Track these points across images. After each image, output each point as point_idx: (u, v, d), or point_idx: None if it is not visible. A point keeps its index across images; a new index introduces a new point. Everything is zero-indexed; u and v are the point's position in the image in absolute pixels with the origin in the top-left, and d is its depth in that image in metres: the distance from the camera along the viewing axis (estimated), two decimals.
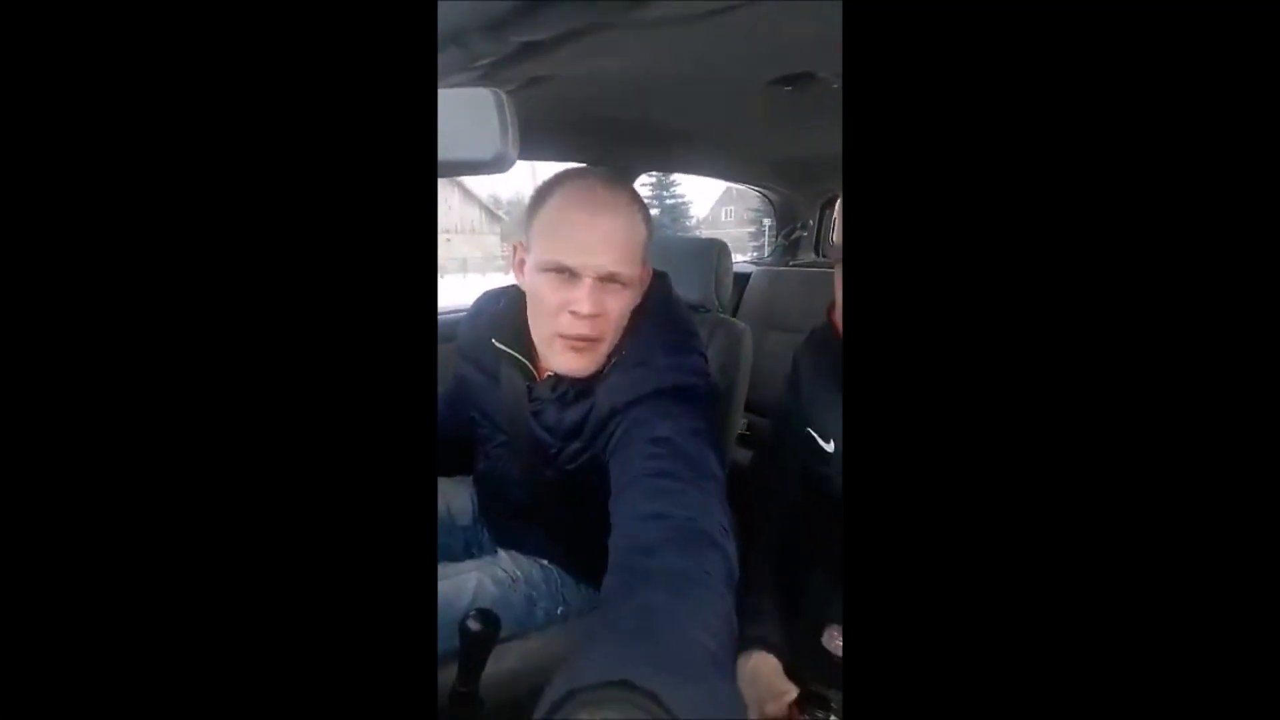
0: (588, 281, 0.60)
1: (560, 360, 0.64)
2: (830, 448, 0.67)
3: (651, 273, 0.69)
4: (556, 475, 0.71)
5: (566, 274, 0.61)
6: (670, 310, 0.70)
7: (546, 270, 0.62)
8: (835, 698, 0.45)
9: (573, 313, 0.60)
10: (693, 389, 0.64)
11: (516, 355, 0.69)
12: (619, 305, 0.62)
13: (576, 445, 0.68)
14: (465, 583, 0.77)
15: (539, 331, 0.65)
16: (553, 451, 0.70)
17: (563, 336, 0.62)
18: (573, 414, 0.66)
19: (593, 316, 0.60)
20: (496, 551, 0.88)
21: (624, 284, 0.62)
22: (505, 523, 0.85)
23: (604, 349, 0.64)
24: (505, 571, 0.82)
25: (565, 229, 0.61)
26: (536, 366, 0.70)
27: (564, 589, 0.87)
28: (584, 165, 0.86)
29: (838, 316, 0.66)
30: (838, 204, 0.59)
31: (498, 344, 0.69)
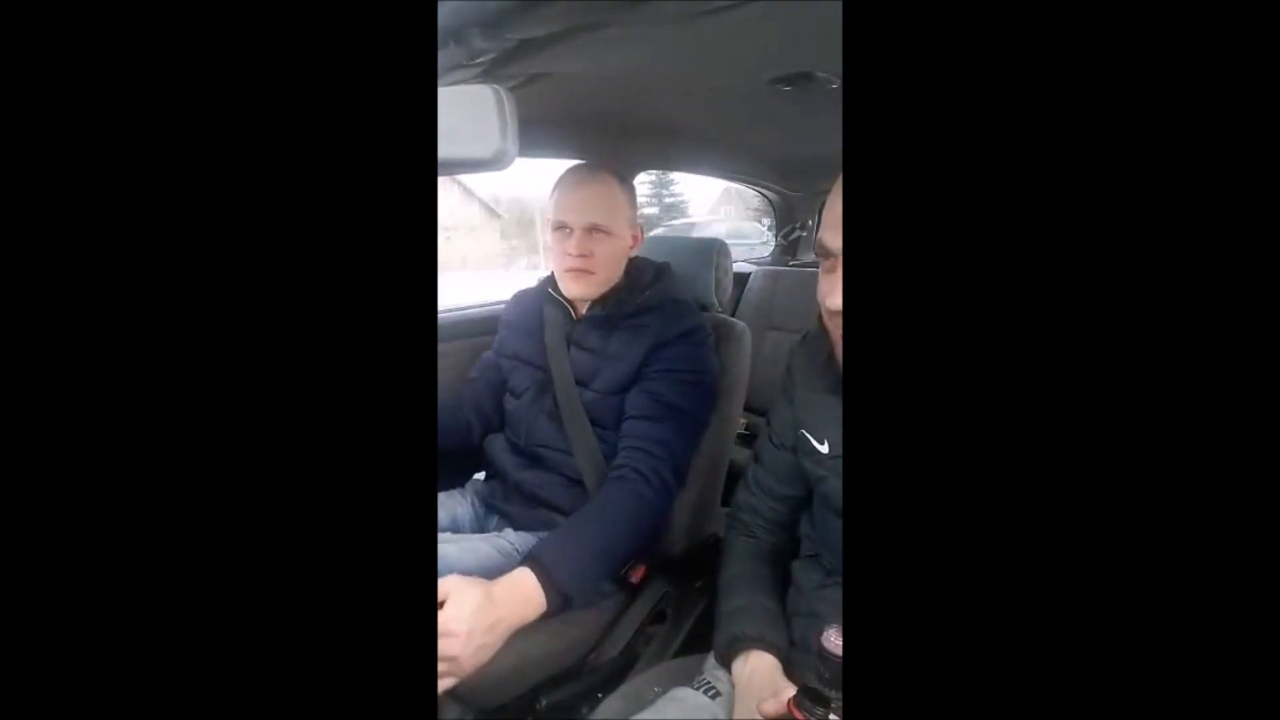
0: (577, 233, 0.89)
1: (569, 286, 0.92)
2: (825, 449, 0.67)
3: (642, 233, 0.97)
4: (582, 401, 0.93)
5: (566, 229, 0.90)
6: (673, 288, 0.98)
7: (555, 229, 0.91)
8: (835, 697, 0.45)
9: (569, 254, 0.89)
10: (693, 334, 0.91)
11: (561, 299, 0.96)
12: (603, 249, 0.89)
13: (599, 364, 0.92)
14: (474, 546, 0.85)
15: (557, 271, 0.94)
16: (582, 374, 0.93)
17: (567, 270, 0.91)
18: (597, 337, 0.93)
19: (583, 256, 0.89)
20: (503, 530, 0.94)
21: (606, 233, 0.89)
22: (514, 475, 0.97)
23: (599, 279, 0.91)
24: (509, 543, 0.89)
25: (562, 199, 0.91)
26: (575, 309, 0.96)
27: None
28: (584, 162, 0.99)
29: (826, 319, 0.66)
30: (823, 205, 0.59)
31: (550, 290, 0.98)
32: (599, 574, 0.76)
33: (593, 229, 0.89)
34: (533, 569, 0.69)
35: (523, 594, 0.68)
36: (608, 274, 0.92)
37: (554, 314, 0.99)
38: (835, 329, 0.59)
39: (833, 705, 0.43)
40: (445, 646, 0.61)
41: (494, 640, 0.65)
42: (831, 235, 0.55)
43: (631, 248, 0.95)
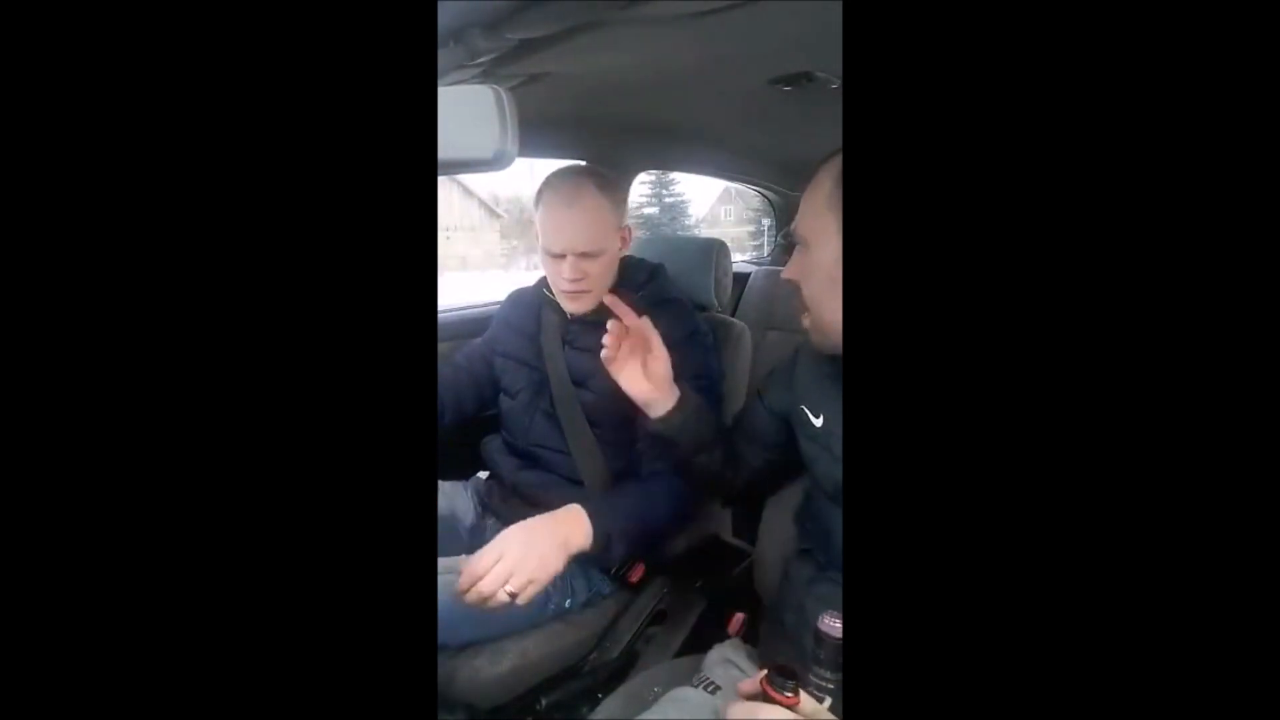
0: (569, 258, 0.90)
1: (569, 305, 0.95)
2: (819, 423, 0.68)
3: (630, 233, 0.96)
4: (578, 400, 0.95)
5: (557, 256, 0.91)
6: (667, 288, 1.00)
7: (546, 254, 0.93)
8: (831, 678, 0.49)
9: (564, 278, 0.91)
10: (693, 338, 0.92)
11: (556, 300, 0.97)
12: (596, 267, 0.91)
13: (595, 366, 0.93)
14: None
15: (555, 290, 0.97)
16: (578, 374, 0.96)
17: (564, 292, 0.93)
18: (593, 338, 0.91)
19: (576, 279, 0.91)
20: None
21: (596, 254, 0.90)
22: (511, 476, 0.98)
23: (595, 293, 0.92)
24: None
25: (549, 227, 0.91)
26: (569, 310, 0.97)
27: (574, 579, 0.89)
28: (566, 166, 0.97)
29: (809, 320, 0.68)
30: (811, 182, 0.65)
31: (546, 292, 0.99)
32: (639, 533, 0.79)
33: (583, 255, 0.90)
34: (584, 507, 0.75)
35: (570, 521, 0.73)
36: (604, 284, 0.94)
37: (550, 316, 1.00)
38: (795, 299, 0.68)
39: (812, 681, 0.47)
40: (491, 561, 0.66)
41: (542, 550, 0.69)
42: (799, 223, 0.65)
43: (621, 249, 0.96)
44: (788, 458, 0.76)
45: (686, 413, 0.75)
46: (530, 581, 0.67)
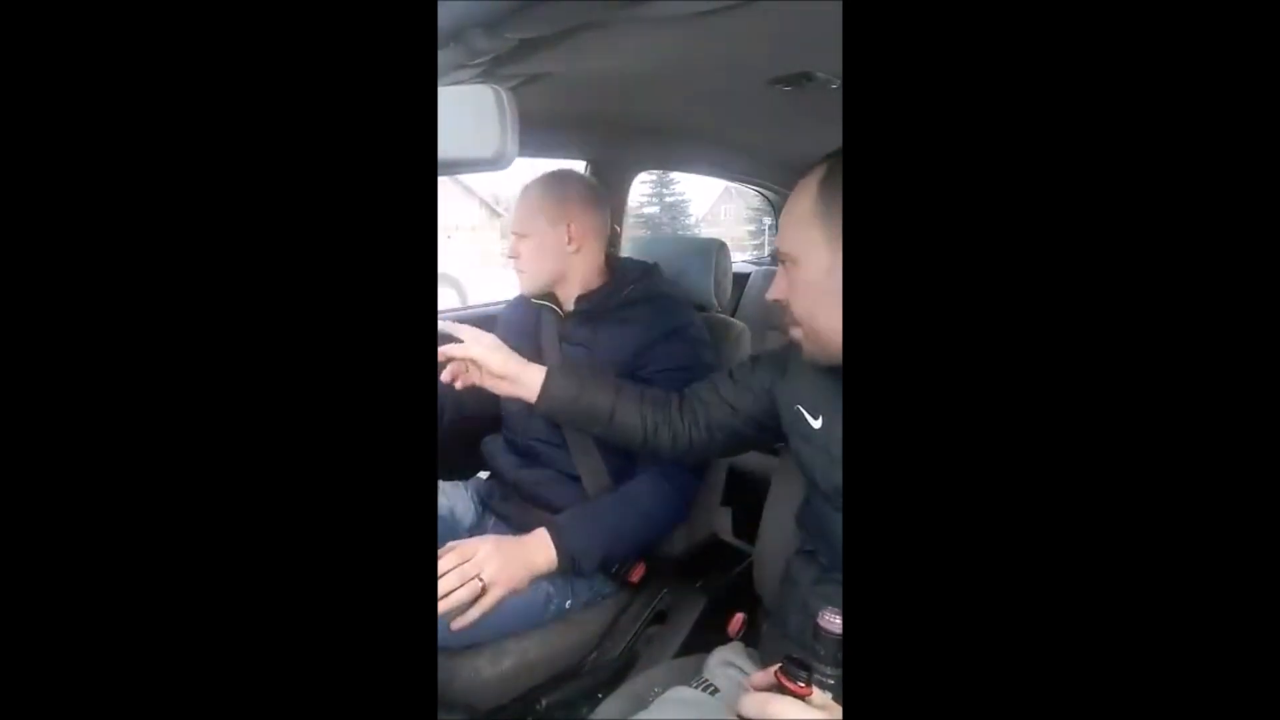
0: (512, 235, 1.00)
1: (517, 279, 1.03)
2: (818, 424, 0.68)
3: (583, 232, 0.99)
4: None
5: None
6: (659, 284, 1.02)
7: None
8: (832, 673, 0.49)
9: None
10: (684, 329, 0.95)
11: (548, 304, 1.02)
12: (524, 248, 0.99)
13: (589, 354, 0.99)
14: None
15: None
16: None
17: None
18: (589, 334, 0.99)
19: (512, 256, 1.00)
20: None
21: (523, 235, 0.98)
22: (511, 474, 1.00)
23: (529, 275, 1.00)
24: None
25: None
26: (561, 308, 1.01)
27: (574, 580, 0.88)
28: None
29: (795, 328, 0.67)
30: (788, 200, 0.65)
31: (534, 300, 1.04)
32: (607, 548, 0.83)
33: (517, 234, 0.99)
34: (549, 529, 0.79)
35: (536, 544, 0.78)
36: (538, 269, 0.98)
37: (548, 314, 1.02)
38: (784, 316, 0.67)
39: (815, 676, 0.47)
40: (470, 554, 0.72)
41: (513, 570, 0.74)
42: (781, 241, 0.65)
43: (569, 242, 0.96)
44: (755, 434, 0.78)
45: (559, 384, 0.78)
46: (492, 582, 0.71)
